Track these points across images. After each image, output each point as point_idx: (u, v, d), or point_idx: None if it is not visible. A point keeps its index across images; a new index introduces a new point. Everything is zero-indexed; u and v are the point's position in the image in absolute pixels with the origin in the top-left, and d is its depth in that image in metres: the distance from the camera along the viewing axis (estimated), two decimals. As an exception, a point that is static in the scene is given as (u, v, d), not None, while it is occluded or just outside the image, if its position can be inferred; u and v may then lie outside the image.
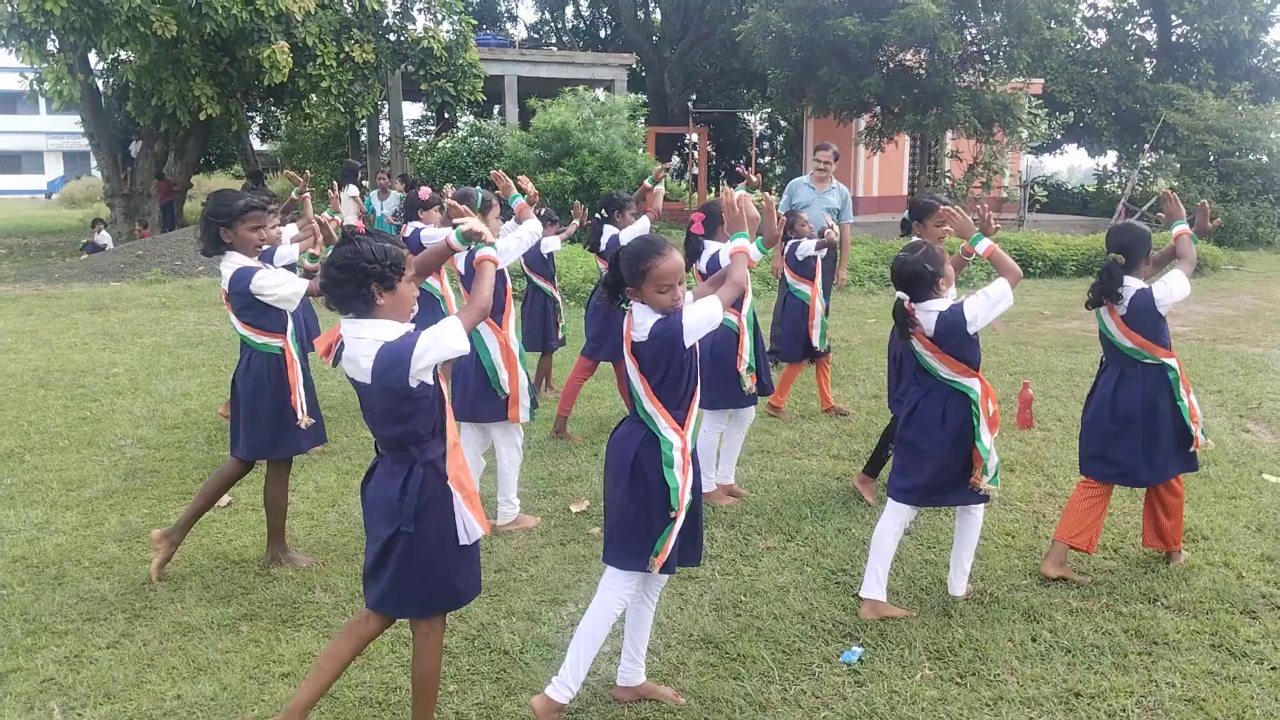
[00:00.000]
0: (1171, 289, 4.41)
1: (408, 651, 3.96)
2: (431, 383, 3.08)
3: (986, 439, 4.13)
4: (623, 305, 3.49)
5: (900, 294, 4.26)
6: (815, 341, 7.13)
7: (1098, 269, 4.56)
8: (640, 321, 3.39)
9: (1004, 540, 5.08)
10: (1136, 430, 4.46)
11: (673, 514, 3.37)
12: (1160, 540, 4.73)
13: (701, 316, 3.36)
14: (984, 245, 4.21)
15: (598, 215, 7.01)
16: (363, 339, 3.04)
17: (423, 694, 3.25)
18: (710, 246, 5.46)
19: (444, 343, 3.01)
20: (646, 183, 6.86)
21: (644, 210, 7.00)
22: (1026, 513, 5.47)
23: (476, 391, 5.07)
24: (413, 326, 3.16)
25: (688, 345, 3.37)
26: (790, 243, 7.26)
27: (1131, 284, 4.44)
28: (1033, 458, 6.44)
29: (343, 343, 3.09)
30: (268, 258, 5.36)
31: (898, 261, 4.24)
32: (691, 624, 4.21)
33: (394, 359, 2.99)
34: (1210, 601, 4.34)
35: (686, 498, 3.41)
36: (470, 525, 3.14)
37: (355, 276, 3.02)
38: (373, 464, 3.23)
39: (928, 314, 4.13)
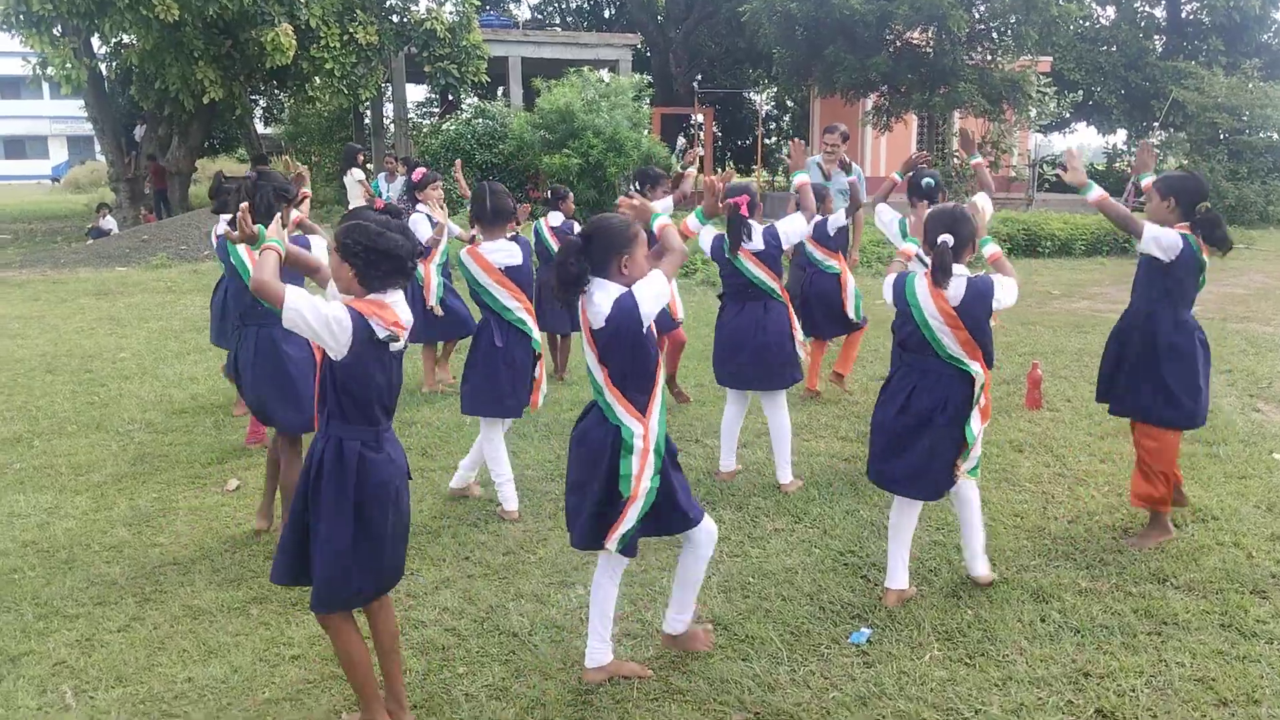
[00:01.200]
0: None
1: (417, 634, 3.98)
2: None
3: (976, 426, 4.04)
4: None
5: (944, 237, 3.98)
6: (851, 313, 7.12)
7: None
8: (598, 307, 3.34)
9: (1013, 521, 5.07)
10: None
11: (625, 500, 3.38)
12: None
13: (652, 294, 3.36)
14: (990, 249, 4.14)
15: (633, 188, 6.87)
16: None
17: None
18: (755, 226, 5.37)
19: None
20: (679, 167, 6.81)
21: (669, 193, 7.00)
22: (1035, 493, 5.46)
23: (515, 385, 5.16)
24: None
25: (645, 326, 3.36)
26: (815, 221, 7.20)
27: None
28: (1042, 438, 6.42)
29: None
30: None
31: (946, 209, 4.12)
32: (700, 606, 4.20)
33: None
34: (1220, 581, 4.33)
35: (646, 484, 3.39)
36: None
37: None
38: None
39: (956, 278, 3.95)
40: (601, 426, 3.44)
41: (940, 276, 3.91)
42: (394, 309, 3.13)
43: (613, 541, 3.42)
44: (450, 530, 5.02)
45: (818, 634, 3.97)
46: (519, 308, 5.11)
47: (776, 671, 3.70)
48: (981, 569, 4.32)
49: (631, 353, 3.36)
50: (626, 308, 3.30)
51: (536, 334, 5.21)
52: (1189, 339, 4.61)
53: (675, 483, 3.51)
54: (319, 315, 2.98)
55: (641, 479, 3.38)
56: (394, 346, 3.14)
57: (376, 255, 3.10)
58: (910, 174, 5.86)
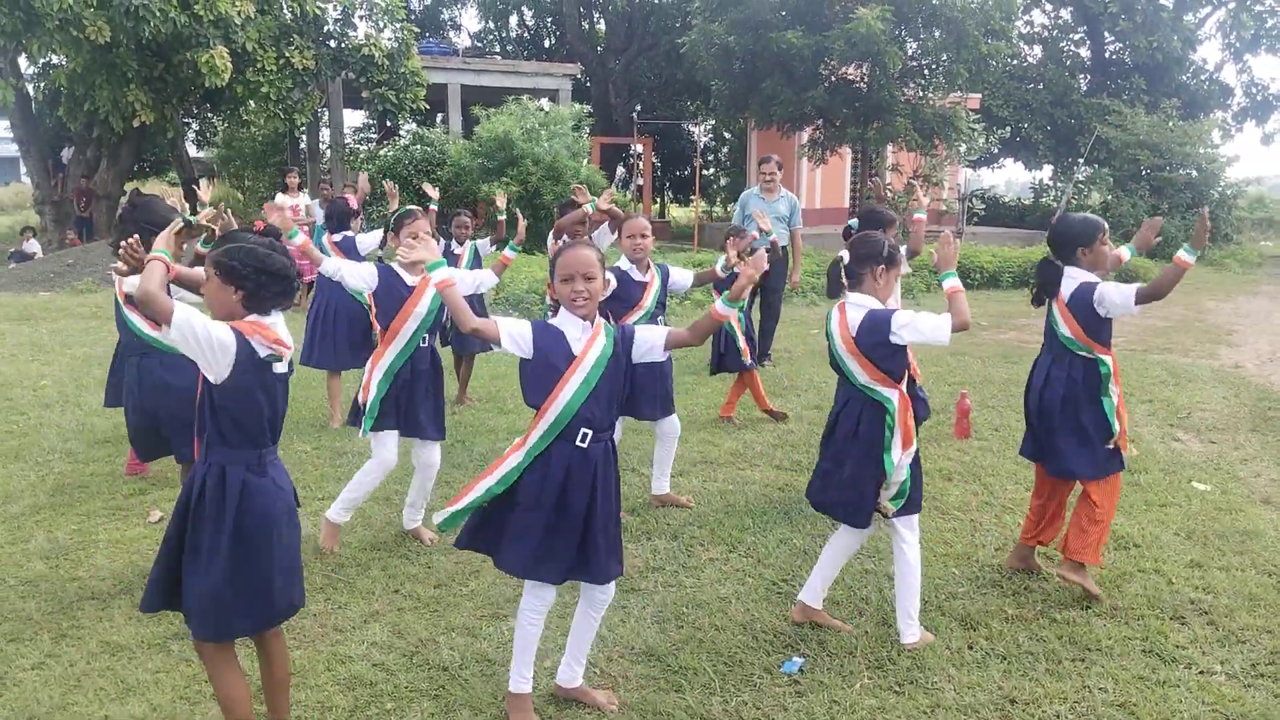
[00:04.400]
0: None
1: (344, 669, 3.91)
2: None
3: (896, 454, 3.99)
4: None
5: (841, 253, 4.25)
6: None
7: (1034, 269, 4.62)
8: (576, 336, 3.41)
9: (941, 549, 5.14)
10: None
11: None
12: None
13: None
14: (950, 283, 3.98)
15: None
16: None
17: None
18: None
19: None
20: (594, 206, 6.54)
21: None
22: (964, 521, 5.54)
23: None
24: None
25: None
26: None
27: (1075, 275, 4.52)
28: (970, 467, 6.52)
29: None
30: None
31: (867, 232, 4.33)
32: (634, 636, 4.19)
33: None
34: (1141, 608, 4.43)
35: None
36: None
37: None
38: None
39: (856, 309, 4.01)
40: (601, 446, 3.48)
41: (833, 288, 4.17)
42: (275, 329, 3.09)
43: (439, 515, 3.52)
44: (380, 562, 4.94)
45: (750, 664, 3.98)
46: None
47: (709, 702, 3.69)
48: (908, 635, 4.10)
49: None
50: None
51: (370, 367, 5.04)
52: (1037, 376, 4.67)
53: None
54: (206, 333, 2.92)
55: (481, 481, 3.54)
56: (277, 368, 3.09)
57: (267, 277, 3.07)
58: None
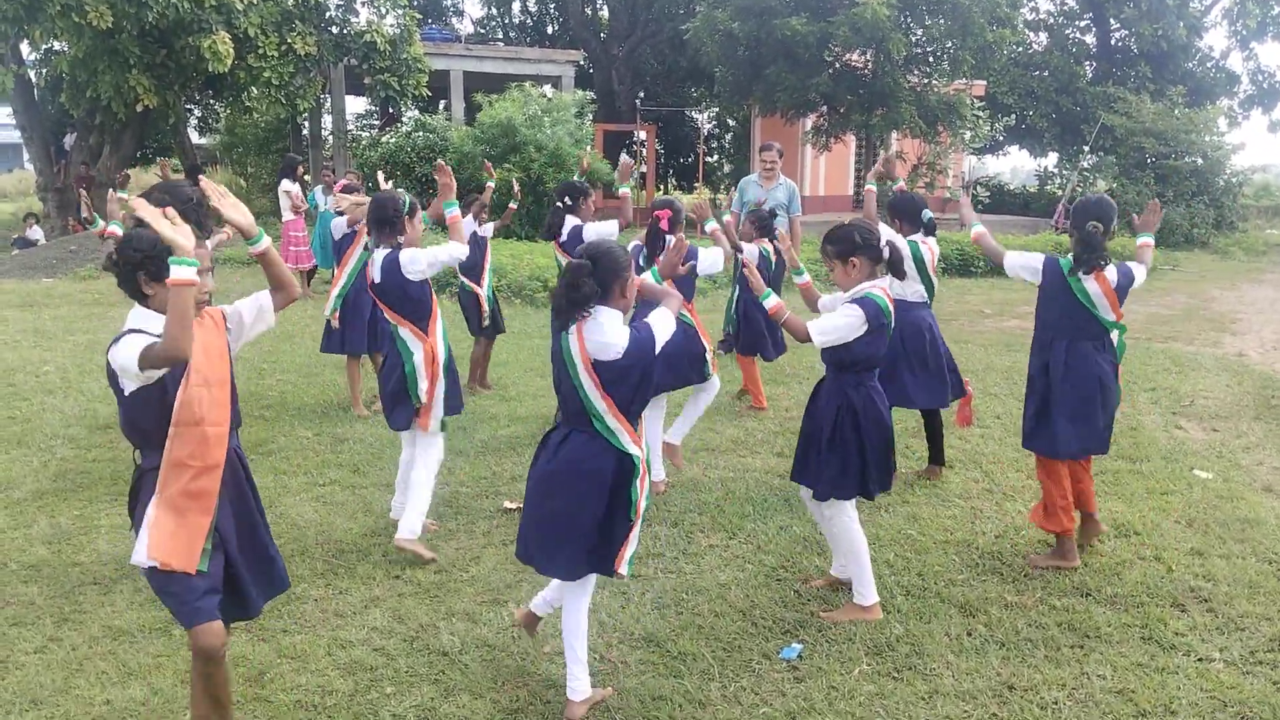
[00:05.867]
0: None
1: (345, 654, 3.92)
2: (129, 394, 2.96)
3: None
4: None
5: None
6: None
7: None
8: (610, 339, 3.29)
9: (942, 535, 5.14)
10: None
11: (630, 525, 3.42)
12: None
13: (664, 331, 3.43)
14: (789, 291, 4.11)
15: (559, 204, 6.68)
16: (127, 325, 3.01)
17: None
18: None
19: (127, 365, 2.86)
20: (616, 188, 6.71)
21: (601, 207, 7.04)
22: (964, 508, 5.54)
23: (393, 395, 4.97)
24: (235, 316, 3.20)
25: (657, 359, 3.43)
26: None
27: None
28: (971, 454, 6.52)
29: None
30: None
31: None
32: (633, 622, 4.20)
33: (114, 353, 2.93)
34: (1141, 595, 4.43)
35: (644, 504, 3.46)
36: (142, 547, 2.96)
37: (124, 264, 2.98)
38: None
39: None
40: (605, 454, 3.38)
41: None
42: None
43: (624, 565, 3.42)
44: (381, 548, 4.95)
45: (749, 649, 3.99)
46: (393, 321, 4.98)
47: (708, 688, 3.70)
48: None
49: (640, 384, 3.37)
50: (644, 342, 3.34)
51: (418, 352, 4.93)
52: (1055, 363, 4.64)
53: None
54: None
55: (642, 501, 3.43)
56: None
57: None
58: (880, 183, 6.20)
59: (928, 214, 5.91)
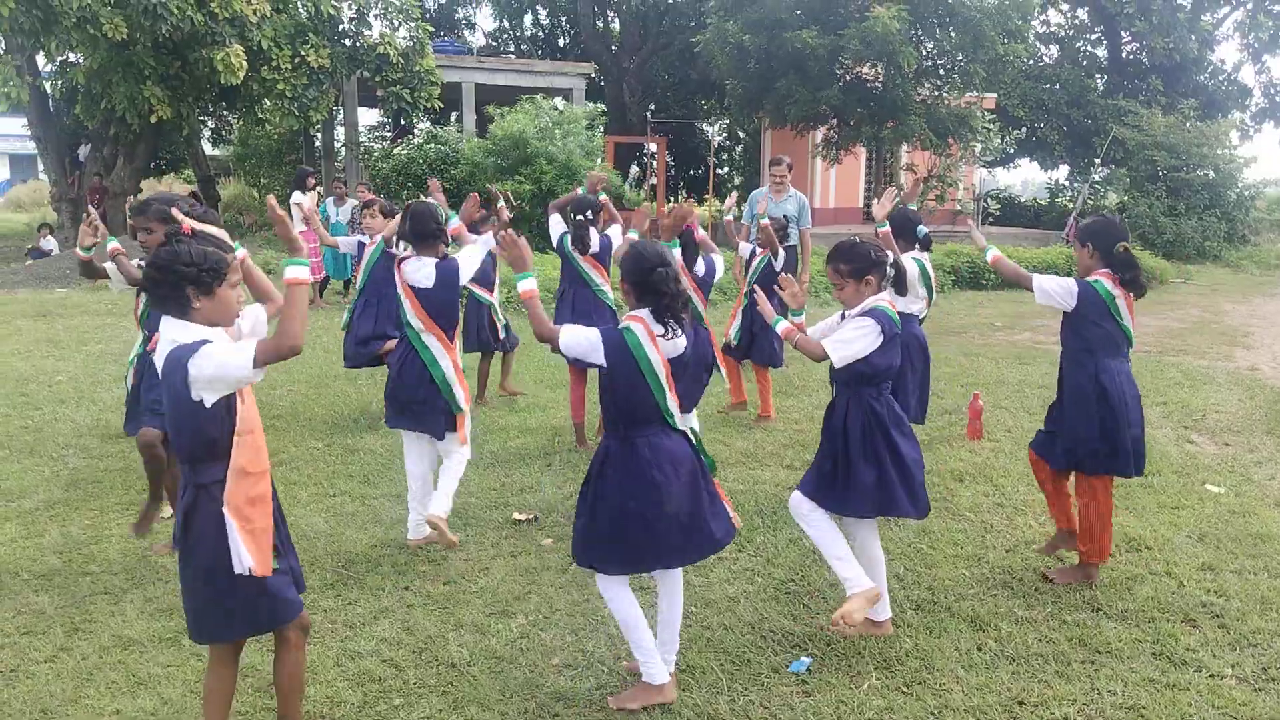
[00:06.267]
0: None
1: (354, 665, 3.93)
2: (211, 405, 2.94)
3: None
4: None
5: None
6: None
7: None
8: (678, 340, 3.57)
9: (951, 550, 5.12)
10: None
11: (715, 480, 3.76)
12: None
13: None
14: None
15: (583, 218, 6.90)
16: (172, 340, 2.97)
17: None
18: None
19: (229, 369, 2.89)
20: (604, 199, 6.96)
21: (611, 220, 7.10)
22: (974, 522, 5.52)
23: (426, 402, 5.01)
24: (235, 331, 3.17)
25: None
26: (752, 251, 7.59)
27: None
28: (981, 468, 6.50)
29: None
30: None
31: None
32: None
33: (174, 364, 2.92)
34: (1152, 610, 4.41)
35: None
36: (241, 556, 2.95)
37: (170, 278, 2.97)
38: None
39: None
40: (683, 443, 3.61)
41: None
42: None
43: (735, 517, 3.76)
44: (390, 559, 4.96)
45: (758, 663, 3.98)
46: (422, 328, 5.04)
47: (716, 701, 3.70)
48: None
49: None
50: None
51: (445, 361, 5.01)
52: (1113, 383, 4.56)
53: None
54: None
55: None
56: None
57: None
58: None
59: (922, 229, 5.98)
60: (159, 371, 2.99)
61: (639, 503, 3.47)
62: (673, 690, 3.70)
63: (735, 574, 4.82)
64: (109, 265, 5.08)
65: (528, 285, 3.62)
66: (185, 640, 4.09)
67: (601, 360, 3.48)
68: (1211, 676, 3.86)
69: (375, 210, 7.63)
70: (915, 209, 6.29)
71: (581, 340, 3.51)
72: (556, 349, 3.57)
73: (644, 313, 3.55)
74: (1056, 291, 4.56)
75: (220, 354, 2.90)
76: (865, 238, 4.28)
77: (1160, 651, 4.05)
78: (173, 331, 2.99)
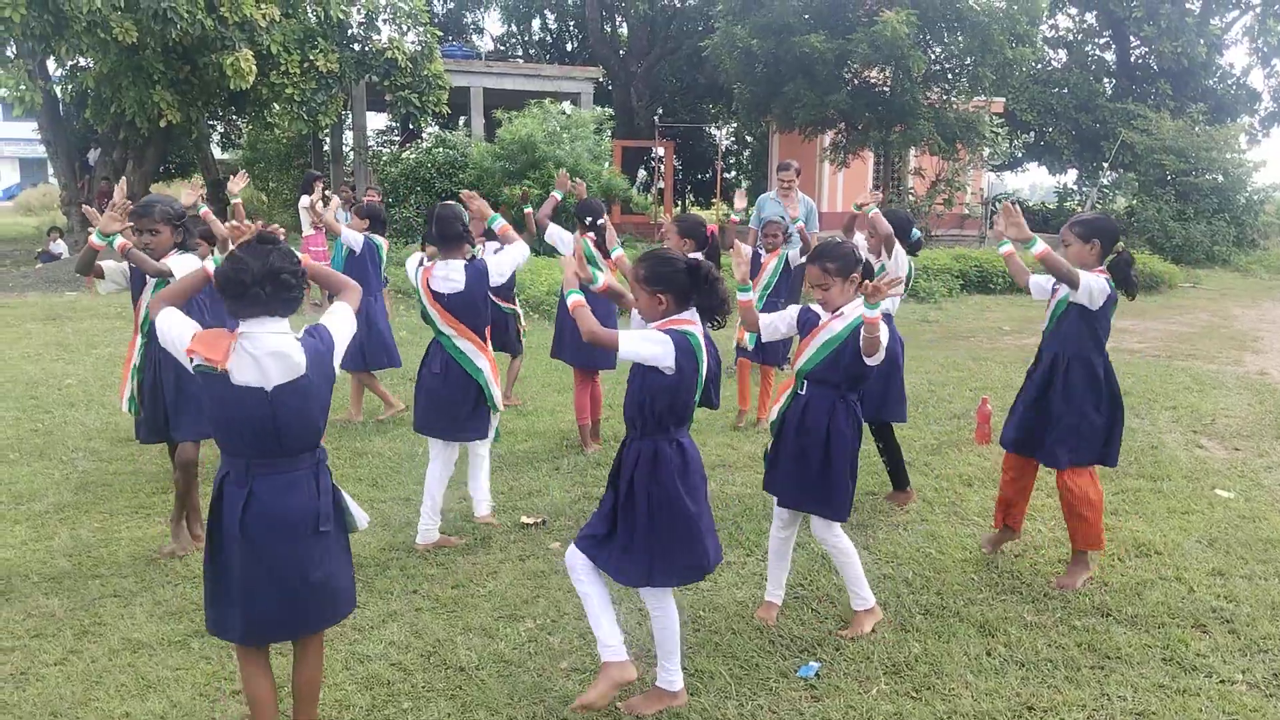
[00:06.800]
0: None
1: (363, 669, 3.93)
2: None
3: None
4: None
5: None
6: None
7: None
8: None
9: (960, 554, 5.11)
10: None
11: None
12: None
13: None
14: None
15: (601, 221, 6.89)
16: (277, 339, 3.01)
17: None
18: None
19: (346, 335, 3.27)
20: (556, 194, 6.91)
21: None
22: (983, 527, 5.51)
23: (474, 409, 5.12)
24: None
25: None
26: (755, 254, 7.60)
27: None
28: (990, 473, 6.48)
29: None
30: None
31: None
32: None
33: (318, 356, 3.11)
34: (1162, 615, 4.39)
35: None
36: (358, 513, 3.33)
37: (298, 280, 3.10)
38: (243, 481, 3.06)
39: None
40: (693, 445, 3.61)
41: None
42: (229, 337, 2.99)
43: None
44: (399, 563, 4.97)
45: (766, 668, 3.97)
46: (454, 334, 5.06)
47: (725, 706, 3.69)
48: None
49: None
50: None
51: (482, 362, 5.09)
52: (1110, 378, 4.71)
53: None
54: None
55: None
56: (235, 379, 2.95)
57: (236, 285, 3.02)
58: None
59: (916, 233, 6.04)
60: (301, 371, 3.03)
61: (696, 503, 3.51)
62: (683, 695, 3.70)
63: (743, 578, 4.82)
64: (108, 264, 5.06)
65: (577, 297, 3.69)
66: (194, 643, 4.10)
67: (672, 364, 3.39)
68: (1222, 682, 3.84)
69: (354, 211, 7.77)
70: (924, 211, 6.34)
71: (648, 345, 3.41)
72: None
73: (691, 314, 3.52)
74: (1097, 289, 4.55)
75: (337, 326, 3.23)
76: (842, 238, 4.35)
77: (1170, 657, 4.03)
78: (273, 330, 3.04)
